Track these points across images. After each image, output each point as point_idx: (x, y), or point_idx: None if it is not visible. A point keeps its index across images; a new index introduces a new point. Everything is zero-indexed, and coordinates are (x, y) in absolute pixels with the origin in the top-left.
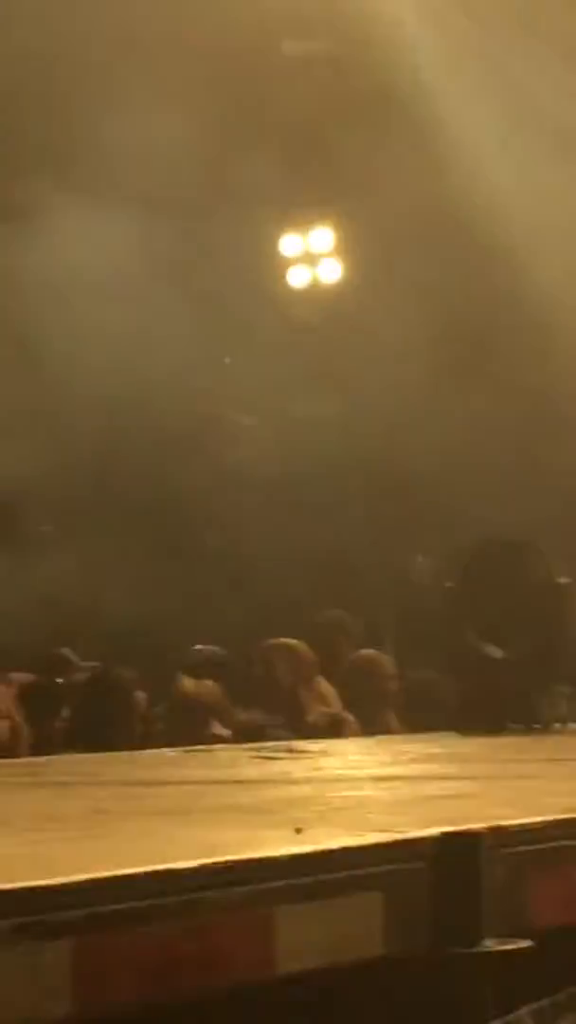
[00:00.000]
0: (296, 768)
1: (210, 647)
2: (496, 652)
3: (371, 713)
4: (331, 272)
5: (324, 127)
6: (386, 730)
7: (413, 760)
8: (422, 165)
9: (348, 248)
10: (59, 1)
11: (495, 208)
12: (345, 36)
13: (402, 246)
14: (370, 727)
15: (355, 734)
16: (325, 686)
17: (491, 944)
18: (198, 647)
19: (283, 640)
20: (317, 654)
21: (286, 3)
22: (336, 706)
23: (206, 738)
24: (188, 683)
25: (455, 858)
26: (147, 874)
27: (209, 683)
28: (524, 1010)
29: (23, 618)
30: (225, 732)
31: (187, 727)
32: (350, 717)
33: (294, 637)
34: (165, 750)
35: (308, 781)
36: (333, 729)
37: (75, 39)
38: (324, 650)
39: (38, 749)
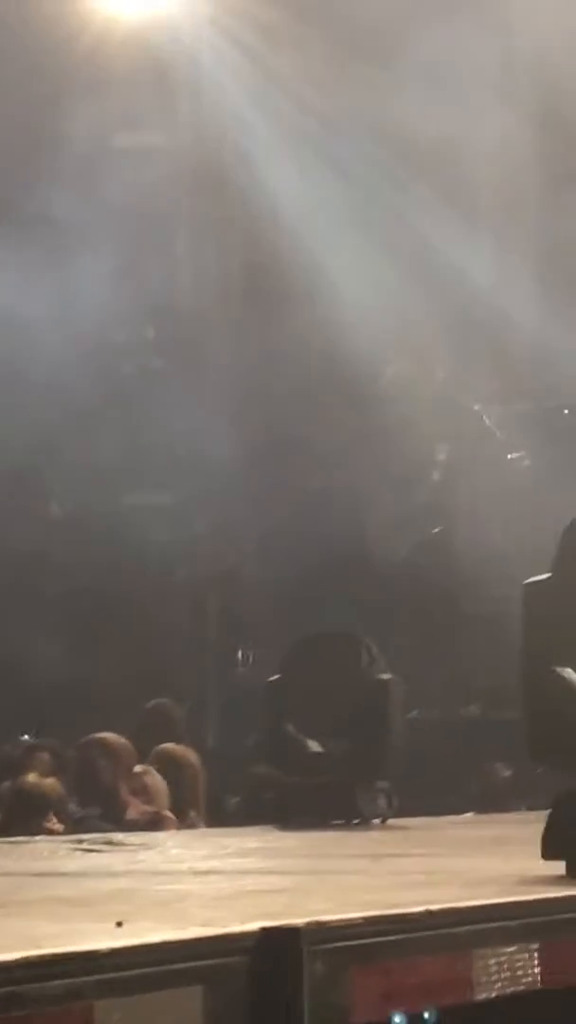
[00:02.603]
0: (116, 861)
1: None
2: (316, 747)
3: (178, 805)
4: None
5: None
6: (191, 823)
7: (232, 854)
8: None
9: None
10: None
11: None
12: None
13: None
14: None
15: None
16: (153, 779)
17: None
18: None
19: (101, 735)
20: (144, 741)
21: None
22: (161, 801)
23: (41, 831)
24: (31, 777)
25: (275, 953)
26: None
27: (50, 779)
28: None
29: None
30: (59, 827)
31: (23, 820)
32: (170, 815)
33: (119, 727)
34: None
35: (128, 874)
36: (152, 826)
37: None
38: (149, 738)
39: None
